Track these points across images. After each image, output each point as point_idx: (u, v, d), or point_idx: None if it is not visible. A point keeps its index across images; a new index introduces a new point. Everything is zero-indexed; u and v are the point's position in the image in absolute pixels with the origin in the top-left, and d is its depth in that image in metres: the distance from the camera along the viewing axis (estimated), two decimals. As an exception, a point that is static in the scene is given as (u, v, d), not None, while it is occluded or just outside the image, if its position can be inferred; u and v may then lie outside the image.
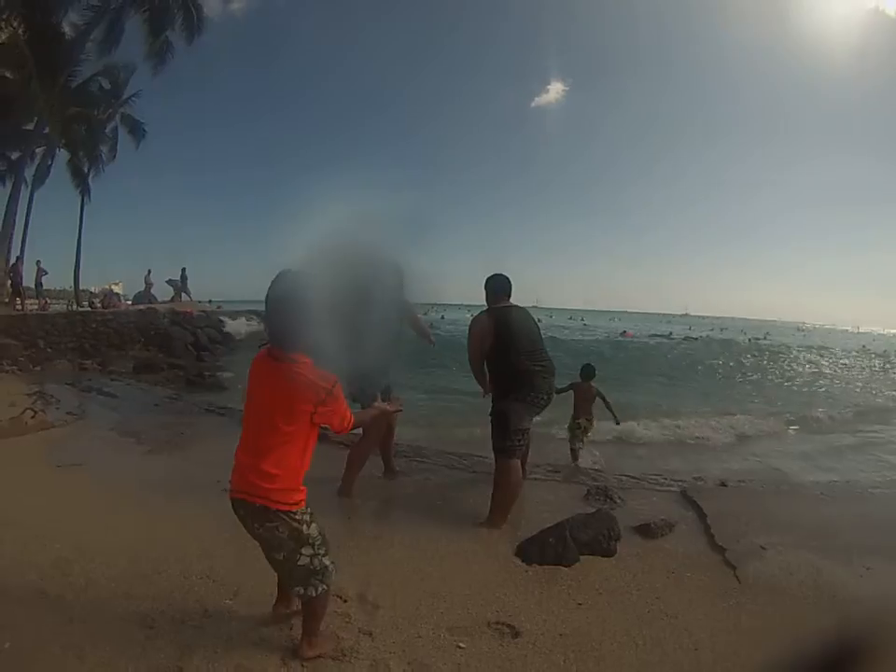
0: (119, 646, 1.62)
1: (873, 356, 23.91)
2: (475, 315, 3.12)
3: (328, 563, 1.59)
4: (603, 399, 4.62)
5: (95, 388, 6.36)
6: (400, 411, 2.35)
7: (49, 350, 10.36)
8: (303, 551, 1.54)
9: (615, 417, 4.69)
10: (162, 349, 11.95)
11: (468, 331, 3.06)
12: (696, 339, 30.49)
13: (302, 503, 1.54)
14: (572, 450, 4.59)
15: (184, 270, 20.41)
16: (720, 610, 2.00)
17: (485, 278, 3.21)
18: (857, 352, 25.75)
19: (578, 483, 3.39)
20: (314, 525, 1.56)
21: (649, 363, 15.67)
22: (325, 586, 1.59)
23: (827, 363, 19.76)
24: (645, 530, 2.66)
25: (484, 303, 3.15)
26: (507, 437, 2.86)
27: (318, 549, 1.56)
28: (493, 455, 2.97)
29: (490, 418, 2.99)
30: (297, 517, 1.52)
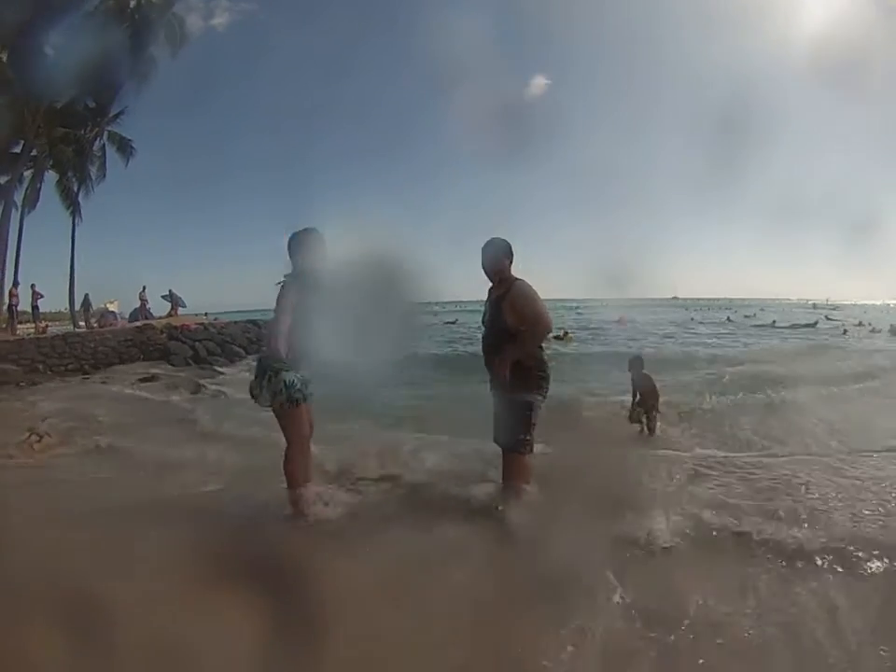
0: None
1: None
2: (518, 283, 2.72)
3: None
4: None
5: (97, 408, 6.33)
6: None
7: (49, 373, 10.36)
8: None
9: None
10: (163, 364, 11.93)
11: (525, 297, 2.67)
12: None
13: None
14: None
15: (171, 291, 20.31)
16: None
17: (490, 243, 2.81)
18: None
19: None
20: None
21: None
22: None
23: None
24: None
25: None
26: (528, 431, 2.68)
27: None
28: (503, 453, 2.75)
29: (504, 410, 2.75)
30: None
